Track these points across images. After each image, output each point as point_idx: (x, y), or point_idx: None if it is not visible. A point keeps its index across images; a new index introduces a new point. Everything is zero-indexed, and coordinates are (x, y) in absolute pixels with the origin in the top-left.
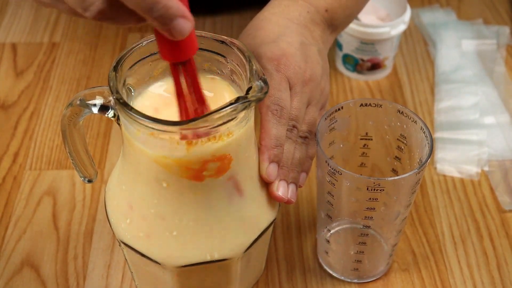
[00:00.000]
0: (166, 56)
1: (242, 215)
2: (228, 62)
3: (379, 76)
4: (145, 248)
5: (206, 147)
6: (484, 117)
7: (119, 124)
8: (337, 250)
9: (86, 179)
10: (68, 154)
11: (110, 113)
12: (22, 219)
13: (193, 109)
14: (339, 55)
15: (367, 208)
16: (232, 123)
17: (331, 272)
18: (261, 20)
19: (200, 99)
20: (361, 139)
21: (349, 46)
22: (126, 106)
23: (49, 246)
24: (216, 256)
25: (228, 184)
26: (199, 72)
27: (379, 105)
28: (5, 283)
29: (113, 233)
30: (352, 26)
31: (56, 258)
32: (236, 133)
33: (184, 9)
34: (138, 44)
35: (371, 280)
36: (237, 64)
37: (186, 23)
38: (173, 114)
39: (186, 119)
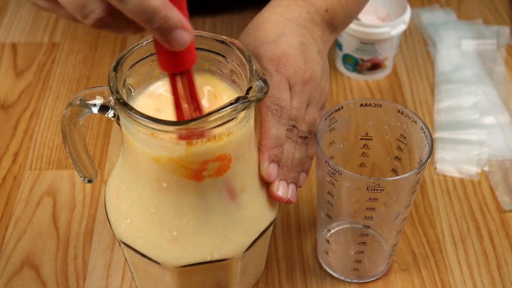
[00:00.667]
0: (165, 66)
1: (242, 215)
2: (228, 62)
3: (379, 76)
4: (145, 248)
5: (206, 147)
6: (484, 117)
7: (119, 124)
8: (337, 250)
9: (86, 179)
10: (68, 154)
11: (110, 113)
12: (22, 219)
13: (190, 118)
14: (339, 55)
15: (367, 208)
16: (232, 123)
17: (331, 272)
18: (261, 20)
19: (198, 109)
20: (361, 139)
21: (349, 46)
22: (126, 106)
23: (49, 246)
24: (216, 256)
25: (228, 184)
26: (199, 72)
27: (379, 105)
28: (5, 283)
29: (113, 233)
30: (352, 26)
31: (56, 258)
32: (236, 133)
33: (184, 20)
34: (138, 44)
35: (371, 280)
36: (237, 64)
37: (185, 34)
38: (173, 114)
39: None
